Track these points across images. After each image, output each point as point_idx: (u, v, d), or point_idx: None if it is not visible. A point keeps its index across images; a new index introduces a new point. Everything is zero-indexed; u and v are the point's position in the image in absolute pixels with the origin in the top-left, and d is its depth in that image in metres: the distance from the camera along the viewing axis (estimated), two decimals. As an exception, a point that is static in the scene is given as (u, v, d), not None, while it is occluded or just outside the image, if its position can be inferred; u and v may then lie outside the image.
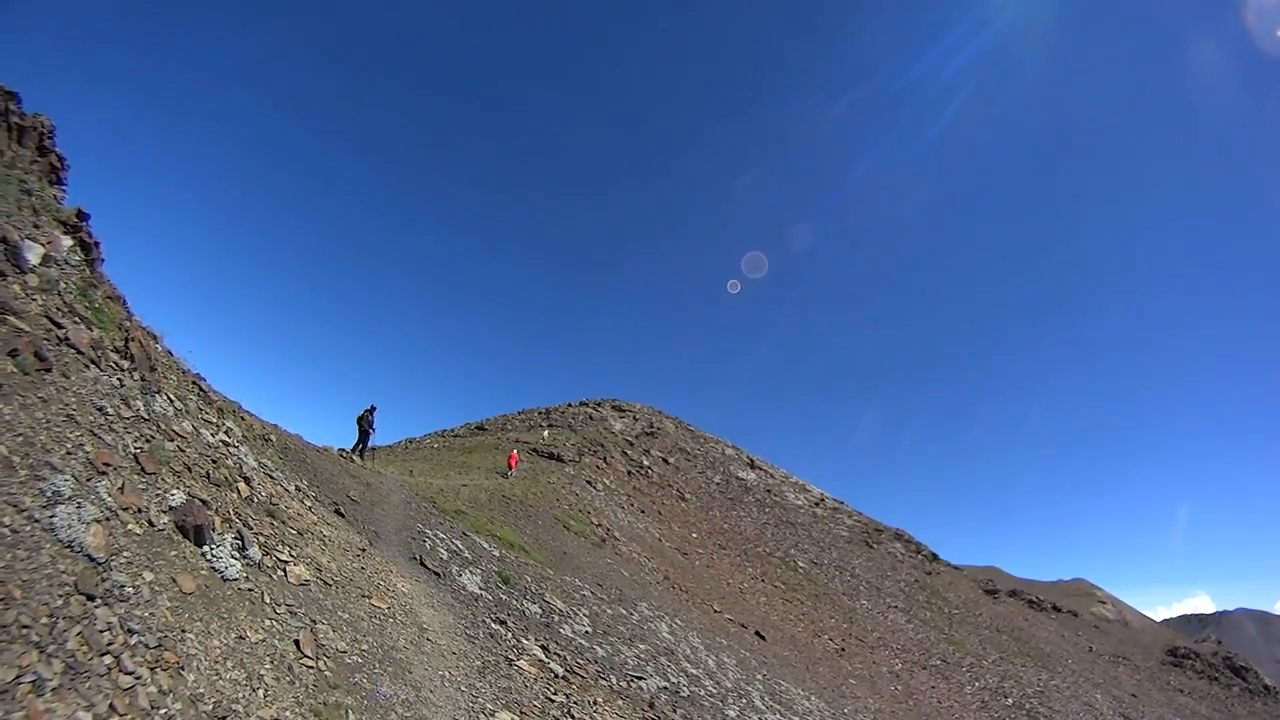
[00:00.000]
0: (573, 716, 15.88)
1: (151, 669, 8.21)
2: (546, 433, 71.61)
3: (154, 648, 8.49)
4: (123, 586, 8.81)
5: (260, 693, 9.54)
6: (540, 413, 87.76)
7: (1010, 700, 54.39)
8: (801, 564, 67.33)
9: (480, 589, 21.39)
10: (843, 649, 51.16)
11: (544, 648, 19.56)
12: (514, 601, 22.20)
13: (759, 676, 31.90)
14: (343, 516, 20.70)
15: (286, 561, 13.61)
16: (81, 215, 14.57)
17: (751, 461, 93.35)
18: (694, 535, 61.98)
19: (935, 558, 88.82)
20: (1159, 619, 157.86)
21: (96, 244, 14.76)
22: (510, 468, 52.31)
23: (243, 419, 21.00)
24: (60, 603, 7.71)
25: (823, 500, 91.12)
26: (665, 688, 22.44)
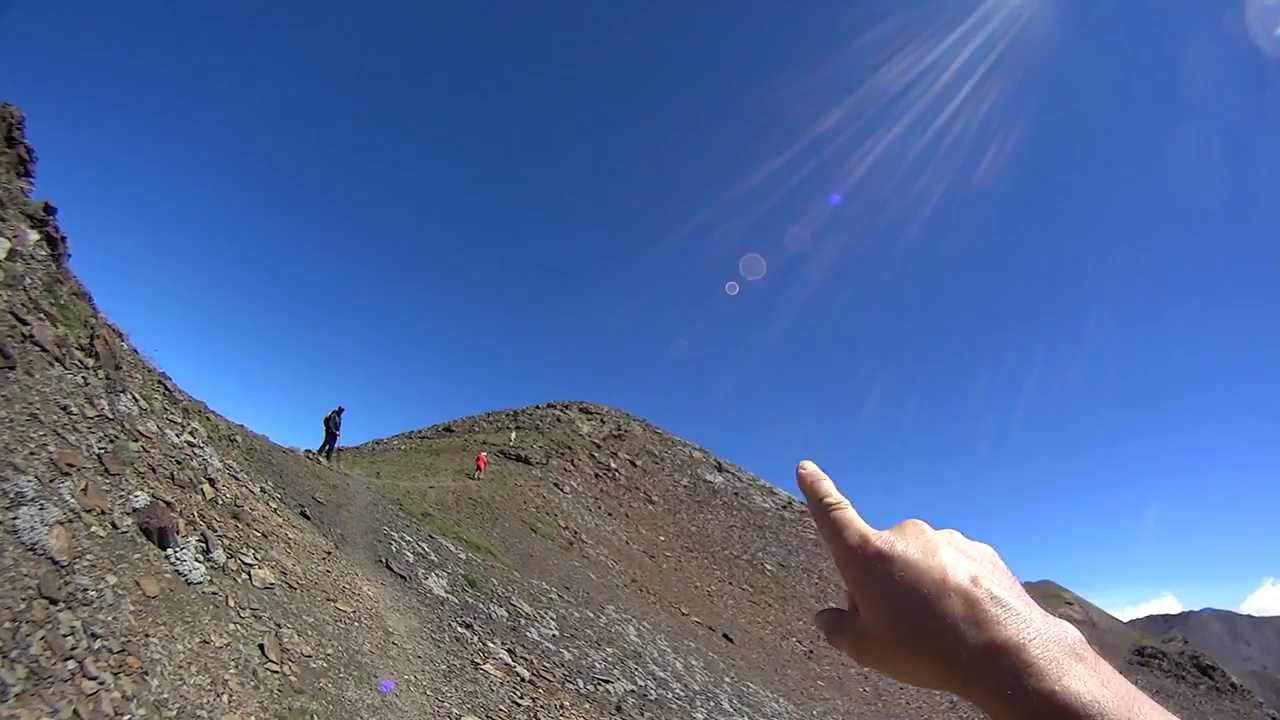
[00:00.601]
0: (539, 720, 15.84)
1: (115, 674, 8.11)
2: (514, 435, 71.42)
3: (117, 652, 8.39)
4: (86, 590, 8.70)
5: (225, 698, 9.44)
6: (508, 415, 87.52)
7: (977, 701, 54.63)
8: (769, 567, 67.44)
9: (446, 592, 21.29)
10: (811, 651, 51.26)
11: (510, 651, 19.48)
12: (480, 605, 22.11)
13: (727, 679, 31.92)
14: (308, 519, 20.55)
15: (251, 565, 13.48)
16: (49, 209, 14.38)
17: (719, 464, 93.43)
18: (661, 538, 61.97)
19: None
20: (1126, 619, 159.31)
21: (63, 238, 14.58)
22: (479, 469, 52.21)
23: (208, 419, 20.83)
24: (23, 606, 7.60)
25: (791, 503, 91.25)
26: (633, 691, 22.41)
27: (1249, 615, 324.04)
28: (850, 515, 1.35)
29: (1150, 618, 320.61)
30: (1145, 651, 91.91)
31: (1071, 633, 1.22)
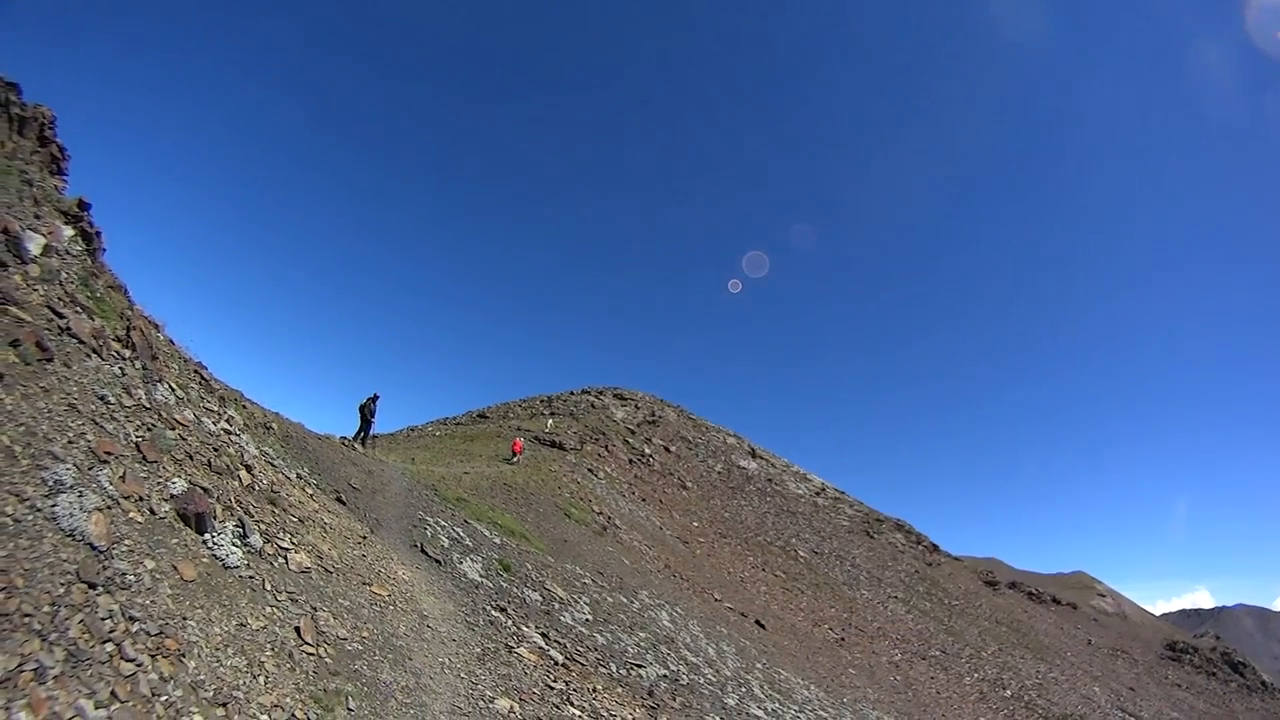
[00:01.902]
0: (572, 704, 15.97)
1: (153, 656, 8.29)
2: (550, 421, 71.58)
3: (155, 635, 8.57)
4: (124, 574, 8.88)
5: (261, 680, 9.62)
6: (542, 401, 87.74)
7: (1009, 692, 54.52)
8: (802, 553, 67.42)
9: (481, 576, 21.47)
10: (842, 639, 51.26)
11: (544, 635, 19.65)
12: (514, 589, 22.27)
13: (759, 665, 32.01)
14: (344, 504, 20.77)
15: (287, 549, 13.68)
16: (83, 205, 14.60)
17: (753, 450, 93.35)
18: (695, 524, 62.06)
19: (935, 549, 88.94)
20: (1158, 613, 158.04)
21: (98, 233, 14.79)
22: (515, 454, 52.46)
23: (244, 407, 21.07)
24: (62, 591, 7.78)
25: (824, 490, 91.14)
26: (665, 675, 22.53)
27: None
28: None
29: (1183, 612, 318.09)
30: (1177, 646, 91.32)
31: None
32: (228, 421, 16.53)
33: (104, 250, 15.13)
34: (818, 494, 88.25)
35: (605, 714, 16.59)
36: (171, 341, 17.28)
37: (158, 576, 9.49)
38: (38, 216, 13.05)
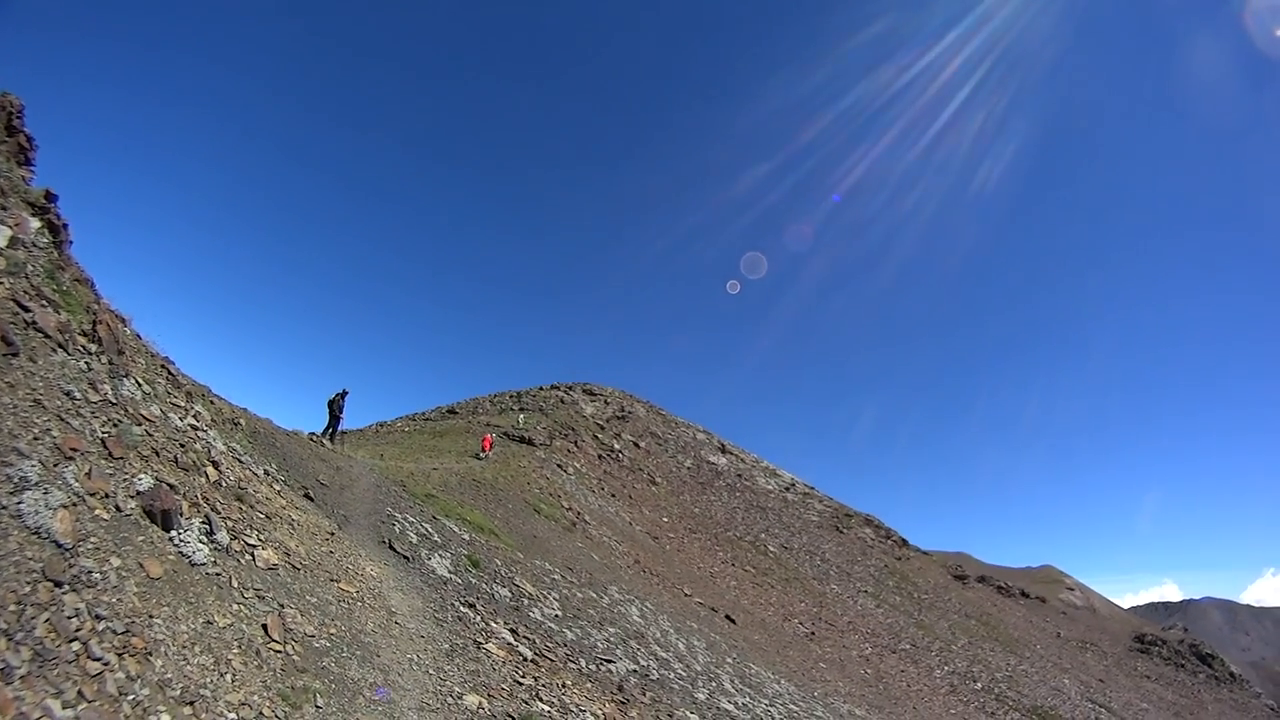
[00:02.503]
0: (541, 699, 15.98)
1: (119, 655, 8.24)
2: (521, 417, 71.52)
3: (122, 633, 8.51)
4: (90, 572, 8.82)
5: (228, 678, 9.58)
6: (511, 396, 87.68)
7: (979, 684, 54.99)
8: (772, 548, 67.69)
9: (449, 572, 21.44)
10: (813, 633, 51.53)
11: (513, 631, 19.65)
12: (483, 585, 22.26)
13: (729, 660, 32.11)
14: (312, 500, 20.68)
15: (255, 546, 13.62)
16: (50, 196, 14.44)
17: (723, 446, 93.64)
18: (665, 519, 62.21)
19: (905, 543, 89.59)
20: (1126, 606, 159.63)
21: (65, 226, 14.64)
22: (485, 450, 52.44)
23: (212, 403, 20.92)
24: (28, 589, 7.72)
25: (793, 485, 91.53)
26: (635, 670, 22.58)
27: (1249, 605, 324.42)
28: None
29: (1151, 605, 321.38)
30: (1145, 639, 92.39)
31: None
32: (195, 417, 16.42)
33: (71, 243, 14.98)
34: (787, 489, 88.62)
35: (575, 709, 16.60)
36: (138, 336, 17.13)
37: (124, 574, 9.43)
38: (4, 208, 12.89)
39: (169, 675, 8.73)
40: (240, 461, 17.66)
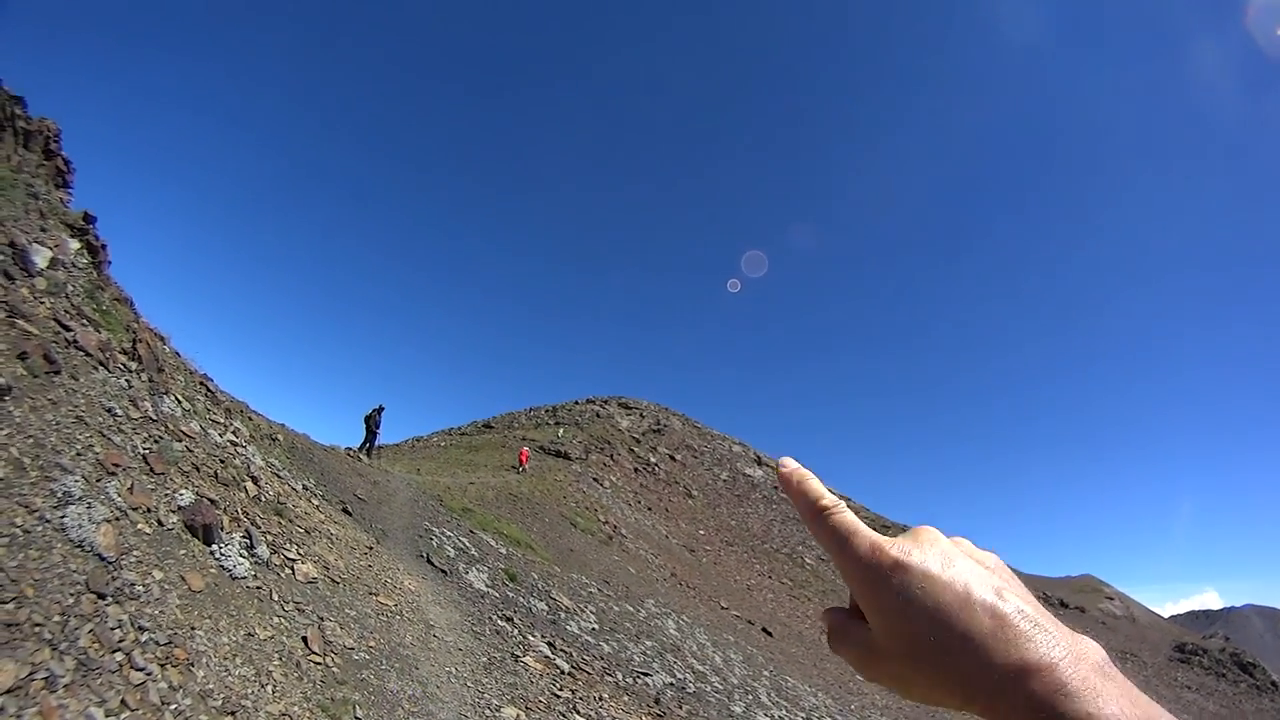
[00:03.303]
0: (578, 712, 15.98)
1: (162, 665, 8.33)
2: (561, 431, 71.55)
3: (164, 644, 8.61)
4: (133, 585, 8.93)
5: (269, 689, 9.66)
6: (547, 410, 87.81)
7: (1017, 696, 54.44)
8: (809, 561, 67.36)
9: (487, 586, 21.50)
10: (850, 646, 51.18)
11: (550, 644, 19.66)
12: (520, 598, 22.30)
13: (766, 673, 31.98)
14: (350, 515, 20.83)
15: (294, 559, 13.73)
16: (88, 218, 14.68)
17: (758, 458, 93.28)
18: (701, 532, 62.05)
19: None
20: (1166, 615, 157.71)
21: (103, 246, 14.86)
22: (522, 463, 52.62)
23: (250, 419, 21.14)
24: (72, 601, 7.82)
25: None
26: (671, 684, 22.53)
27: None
28: (852, 520, 1.28)
29: (1191, 613, 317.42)
30: (1186, 648, 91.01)
31: (1096, 650, 1.20)
32: (234, 433, 16.59)
33: (109, 263, 15.20)
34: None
35: (611, 722, 16.62)
36: (177, 354, 17.36)
37: (166, 587, 9.54)
38: (44, 230, 13.12)
39: (210, 686, 8.82)
40: (279, 476, 17.82)
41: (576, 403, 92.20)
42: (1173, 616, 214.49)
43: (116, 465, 10.38)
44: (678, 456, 79.92)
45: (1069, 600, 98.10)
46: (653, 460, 73.86)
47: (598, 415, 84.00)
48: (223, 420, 16.63)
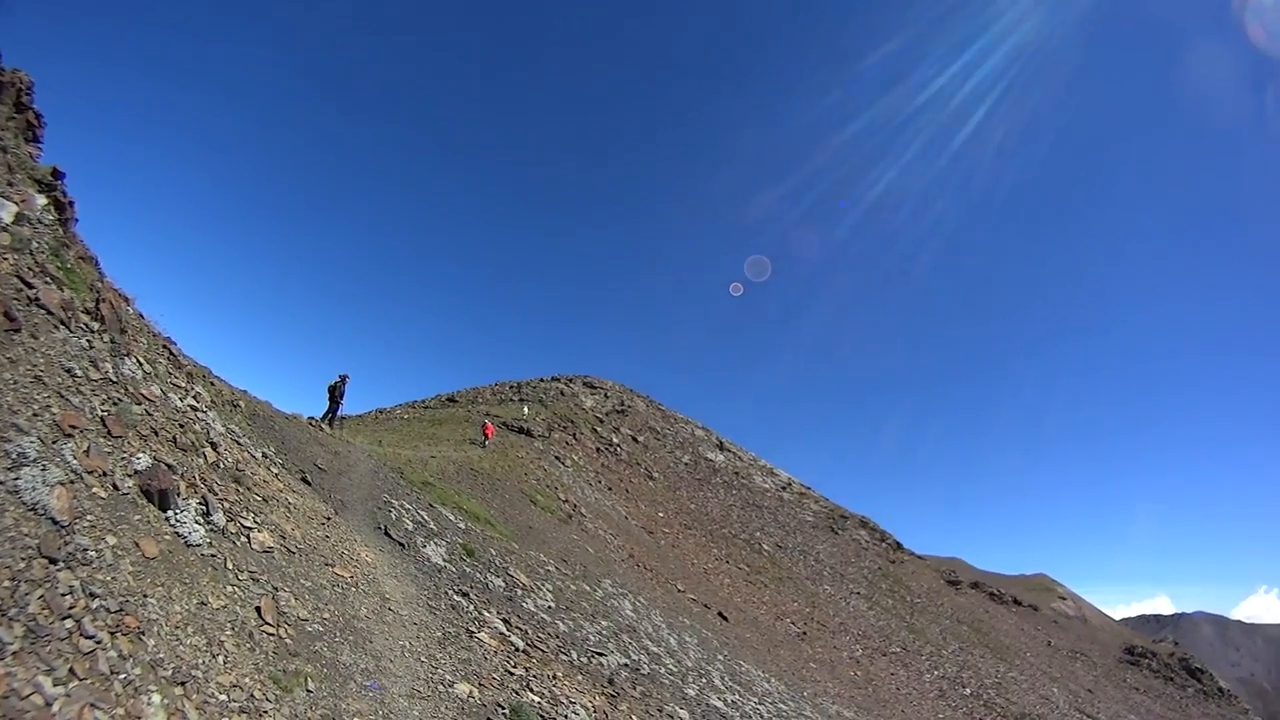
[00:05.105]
0: (531, 690, 16.01)
1: (112, 633, 8.25)
2: (526, 409, 71.44)
3: (115, 612, 8.52)
4: (86, 550, 8.83)
5: (220, 659, 9.60)
6: (511, 386, 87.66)
7: (968, 690, 55.04)
8: (766, 547, 67.73)
9: (444, 561, 21.47)
10: (804, 633, 51.58)
11: (506, 621, 19.68)
12: (478, 574, 22.30)
13: (720, 657, 32.16)
14: (309, 484, 20.72)
15: (250, 528, 13.64)
16: (57, 174, 14.44)
17: (721, 443, 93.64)
18: (661, 514, 62.23)
19: (899, 546, 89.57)
20: (1118, 618, 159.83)
21: (71, 203, 14.64)
22: (486, 437, 52.61)
23: (212, 384, 20.96)
24: (23, 566, 7.73)
25: (790, 485, 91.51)
26: (626, 664, 22.61)
27: (1240, 621, 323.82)
28: None
29: (1142, 617, 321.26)
30: (1135, 651, 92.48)
31: None
32: (195, 398, 16.42)
33: (76, 220, 14.98)
34: (783, 489, 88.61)
35: (565, 701, 16.63)
36: (141, 315, 17.12)
37: (119, 553, 9.44)
38: (10, 184, 12.89)
39: (161, 655, 8.74)
40: (239, 443, 17.68)
41: (542, 380, 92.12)
42: (1124, 619, 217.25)
43: (74, 427, 10.25)
44: (640, 438, 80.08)
45: (1022, 598, 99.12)
46: (615, 441, 73.97)
47: (562, 394, 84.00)
48: (184, 385, 16.44)
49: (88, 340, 12.44)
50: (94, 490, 9.87)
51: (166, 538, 10.73)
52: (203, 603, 10.26)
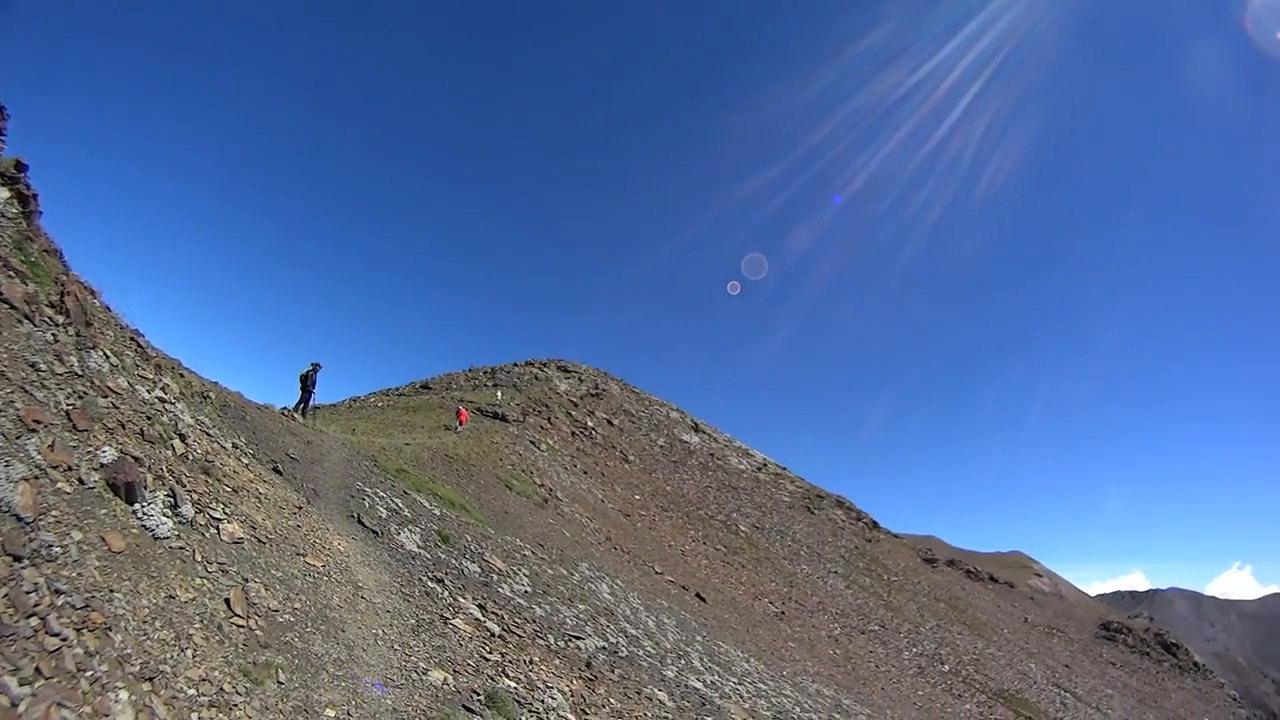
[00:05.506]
0: (508, 675, 16.00)
1: (78, 630, 8.19)
2: (500, 394, 71.37)
3: (81, 608, 8.46)
4: (50, 546, 8.77)
5: (189, 653, 9.53)
6: (486, 372, 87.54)
7: (947, 667, 55.53)
8: (743, 528, 67.98)
9: (419, 547, 21.42)
10: (782, 613, 51.83)
11: (481, 606, 19.65)
12: (453, 560, 22.25)
13: (698, 638, 32.26)
14: (280, 474, 20.61)
15: (220, 519, 13.55)
16: (20, 166, 14.29)
17: (696, 425, 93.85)
18: (637, 497, 62.32)
19: (875, 525, 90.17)
20: (1093, 594, 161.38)
21: (34, 196, 14.49)
22: (461, 423, 52.59)
23: (182, 375, 20.80)
24: (-14, 564, 7.67)
25: (765, 465, 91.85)
26: (604, 647, 22.64)
27: (1214, 597, 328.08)
28: None
29: (1117, 593, 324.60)
30: (1111, 626, 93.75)
31: None
32: (163, 390, 16.30)
33: (41, 213, 14.84)
34: (759, 469, 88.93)
35: (542, 686, 16.63)
36: (108, 308, 16.97)
37: (85, 548, 9.38)
38: (-31, 177, 12.78)
39: (128, 651, 8.69)
40: (208, 434, 17.56)
41: (515, 365, 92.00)
42: (1099, 595, 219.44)
43: (38, 422, 10.16)
44: (615, 421, 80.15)
45: (998, 575, 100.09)
46: (590, 424, 74.01)
47: (536, 378, 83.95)
48: (152, 376, 16.33)
49: (52, 334, 12.33)
50: (59, 485, 9.79)
51: (133, 531, 10.65)
52: (171, 596, 10.19)
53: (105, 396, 12.78)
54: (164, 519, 11.60)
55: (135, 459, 11.94)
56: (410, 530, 22.30)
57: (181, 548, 11.49)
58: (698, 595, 43.45)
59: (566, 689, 17.42)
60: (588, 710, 17.09)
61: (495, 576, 23.24)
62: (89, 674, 7.90)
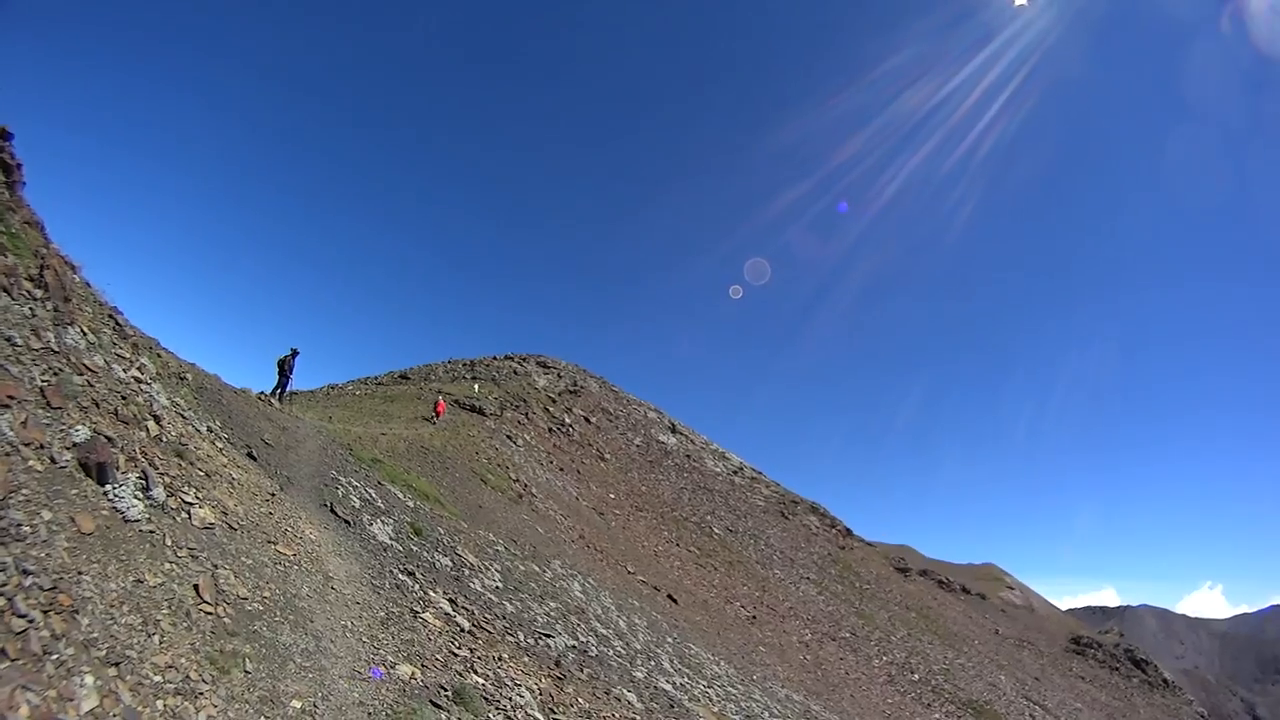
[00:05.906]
0: (476, 671, 15.90)
1: (45, 612, 8.06)
2: (477, 387, 71.26)
3: (49, 590, 8.34)
4: (19, 525, 8.64)
5: (156, 639, 9.41)
6: (465, 364, 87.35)
7: (917, 676, 55.69)
8: (717, 531, 68.01)
9: (391, 539, 21.30)
10: (754, 617, 51.85)
11: (451, 601, 19.56)
12: (425, 553, 22.15)
13: (669, 639, 32.23)
14: (255, 460, 20.46)
15: (191, 504, 13.39)
16: (4, 134, 14.14)
17: (673, 426, 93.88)
18: (612, 496, 62.27)
19: (849, 533, 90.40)
20: (1064, 608, 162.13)
21: (18, 166, 14.34)
22: (437, 414, 52.51)
23: (159, 356, 20.63)
24: (-47, 542, 7.55)
25: (741, 469, 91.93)
26: (574, 646, 22.58)
27: (1184, 615, 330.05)
28: None
29: (1088, 608, 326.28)
30: (1081, 641, 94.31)
31: None
32: (139, 370, 16.11)
33: (23, 184, 14.66)
34: (735, 473, 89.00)
35: (510, 683, 16.55)
36: (88, 284, 16.80)
37: (54, 528, 9.25)
38: (-49, 146, 12.61)
39: (95, 634, 8.57)
40: (183, 417, 17.39)
41: (495, 358, 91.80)
42: (1070, 609, 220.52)
43: (11, 398, 10.02)
44: (593, 419, 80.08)
45: (970, 587, 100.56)
46: (567, 421, 73.92)
47: (515, 372, 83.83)
48: (129, 355, 16.14)
49: (30, 308, 12.17)
50: (30, 463, 9.65)
51: (104, 513, 10.52)
52: (139, 580, 10.06)
53: (81, 374, 12.62)
54: (135, 501, 11.45)
55: (108, 439, 11.79)
56: (383, 521, 22.17)
57: (152, 531, 11.34)
58: (669, 596, 43.44)
59: (535, 687, 17.35)
60: (556, 709, 17.01)
61: (467, 571, 23.15)
62: (54, 657, 7.79)
